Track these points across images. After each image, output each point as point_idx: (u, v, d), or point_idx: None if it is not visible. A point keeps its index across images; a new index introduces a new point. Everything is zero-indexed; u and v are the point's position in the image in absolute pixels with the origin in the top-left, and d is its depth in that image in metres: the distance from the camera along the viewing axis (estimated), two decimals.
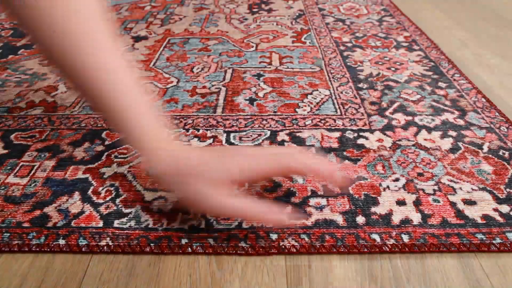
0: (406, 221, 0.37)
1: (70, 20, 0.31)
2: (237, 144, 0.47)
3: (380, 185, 0.41)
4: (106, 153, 0.46)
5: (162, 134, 0.35)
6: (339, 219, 0.37)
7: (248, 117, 0.52)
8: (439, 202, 0.39)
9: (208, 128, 0.50)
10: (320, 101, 0.56)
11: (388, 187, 0.41)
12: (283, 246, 0.35)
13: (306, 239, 0.35)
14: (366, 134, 0.49)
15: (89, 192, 0.40)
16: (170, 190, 0.37)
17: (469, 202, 0.39)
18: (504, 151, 0.46)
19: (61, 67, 0.34)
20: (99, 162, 0.45)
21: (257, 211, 0.32)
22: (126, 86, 0.35)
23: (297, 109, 0.54)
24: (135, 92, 0.35)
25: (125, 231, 0.36)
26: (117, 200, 0.39)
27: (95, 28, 0.33)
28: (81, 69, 0.33)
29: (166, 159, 0.34)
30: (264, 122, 0.51)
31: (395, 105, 0.55)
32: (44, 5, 0.31)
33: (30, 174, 0.43)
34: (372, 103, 0.56)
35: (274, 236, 0.35)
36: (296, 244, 0.35)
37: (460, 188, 0.41)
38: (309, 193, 0.40)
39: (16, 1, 0.31)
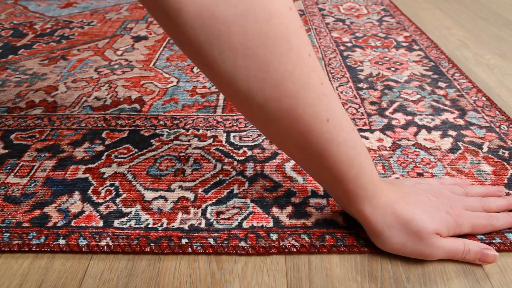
0: None
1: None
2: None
3: None
4: (106, 153, 0.46)
5: (382, 184, 0.33)
6: (339, 219, 0.37)
7: None
8: None
9: (208, 128, 0.50)
10: None
11: None
12: (283, 246, 0.35)
13: (307, 238, 0.35)
14: (366, 134, 0.49)
15: (89, 192, 0.40)
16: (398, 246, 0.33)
17: None
18: (504, 151, 0.46)
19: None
20: (99, 162, 0.45)
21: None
22: (348, 133, 0.30)
23: None
24: (357, 138, 0.31)
25: (125, 231, 0.36)
26: (117, 200, 0.39)
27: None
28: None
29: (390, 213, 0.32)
30: None
31: (395, 105, 0.55)
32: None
33: (30, 174, 0.43)
34: (372, 103, 0.56)
35: (274, 236, 0.35)
36: (296, 243, 0.35)
37: None
38: (309, 193, 0.40)
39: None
